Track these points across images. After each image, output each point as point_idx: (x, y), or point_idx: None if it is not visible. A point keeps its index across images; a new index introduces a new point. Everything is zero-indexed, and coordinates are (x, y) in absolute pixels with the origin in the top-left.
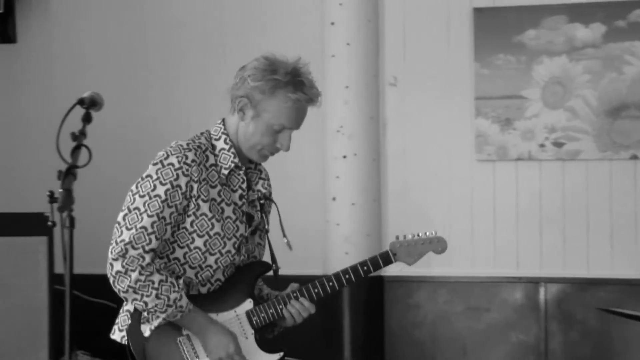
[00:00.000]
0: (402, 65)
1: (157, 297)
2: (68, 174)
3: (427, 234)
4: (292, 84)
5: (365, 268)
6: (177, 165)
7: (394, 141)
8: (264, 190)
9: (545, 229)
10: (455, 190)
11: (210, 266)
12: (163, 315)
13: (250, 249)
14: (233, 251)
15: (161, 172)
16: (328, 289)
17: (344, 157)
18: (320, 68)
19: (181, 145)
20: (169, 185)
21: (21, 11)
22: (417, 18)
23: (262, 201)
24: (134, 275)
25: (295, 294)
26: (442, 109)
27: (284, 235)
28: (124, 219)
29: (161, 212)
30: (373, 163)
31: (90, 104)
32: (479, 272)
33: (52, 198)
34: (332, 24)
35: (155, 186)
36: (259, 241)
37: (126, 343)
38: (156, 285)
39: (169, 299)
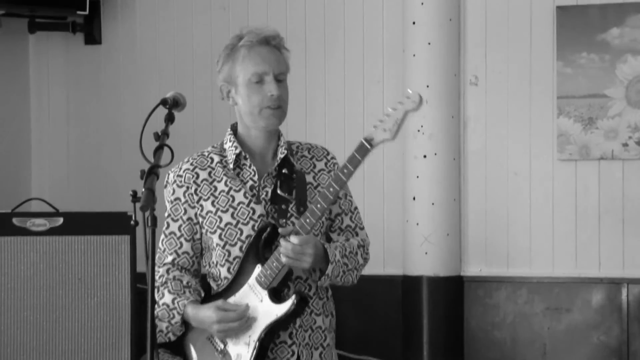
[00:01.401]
0: (484, 64)
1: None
2: (150, 174)
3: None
4: (242, 37)
5: (345, 171)
6: (171, 180)
7: (475, 140)
8: (275, 164)
9: (628, 229)
10: (536, 189)
11: (239, 257)
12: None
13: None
14: (254, 234)
15: (166, 192)
16: (317, 211)
17: (424, 156)
18: (401, 67)
19: (182, 160)
20: (170, 204)
21: (107, 13)
22: (498, 16)
23: (282, 177)
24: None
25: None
26: (524, 108)
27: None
28: None
29: (167, 228)
30: (453, 162)
31: (173, 104)
32: (560, 273)
33: (134, 197)
34: (414, 23)
35: (166, 208)
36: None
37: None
38: (160, 304)
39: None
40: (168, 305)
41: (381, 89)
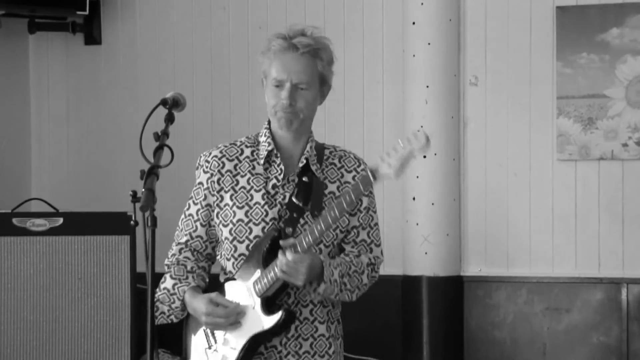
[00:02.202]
0: (483, 64)
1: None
2: (150, 174)
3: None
4: (275, 37)
5: (347, 198)
6: (199, 164)
7: (475, 141)
8: (296, 169)
9: (628, 230)
10: (536, 190)
11: (244, 254)
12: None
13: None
14: (262, 235)
15: (196, 173)
16: (316, 232)
17: (424, 156)
18: (400, 67)
19: (215, 146)
20: (196, 186)
21: (107, 13)
22: (498, 17)
23: (303, 178)
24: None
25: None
26: (523, 109)
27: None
28: None
29: (187, 209)
30: (453, 163)
31: (173, 105)
32: (560, 273)
33: (134, 198)
34: (413, 23)
35: (192, 190)
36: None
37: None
38: (161, 287)
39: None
40: (169, 290)
41: (381, 89)
